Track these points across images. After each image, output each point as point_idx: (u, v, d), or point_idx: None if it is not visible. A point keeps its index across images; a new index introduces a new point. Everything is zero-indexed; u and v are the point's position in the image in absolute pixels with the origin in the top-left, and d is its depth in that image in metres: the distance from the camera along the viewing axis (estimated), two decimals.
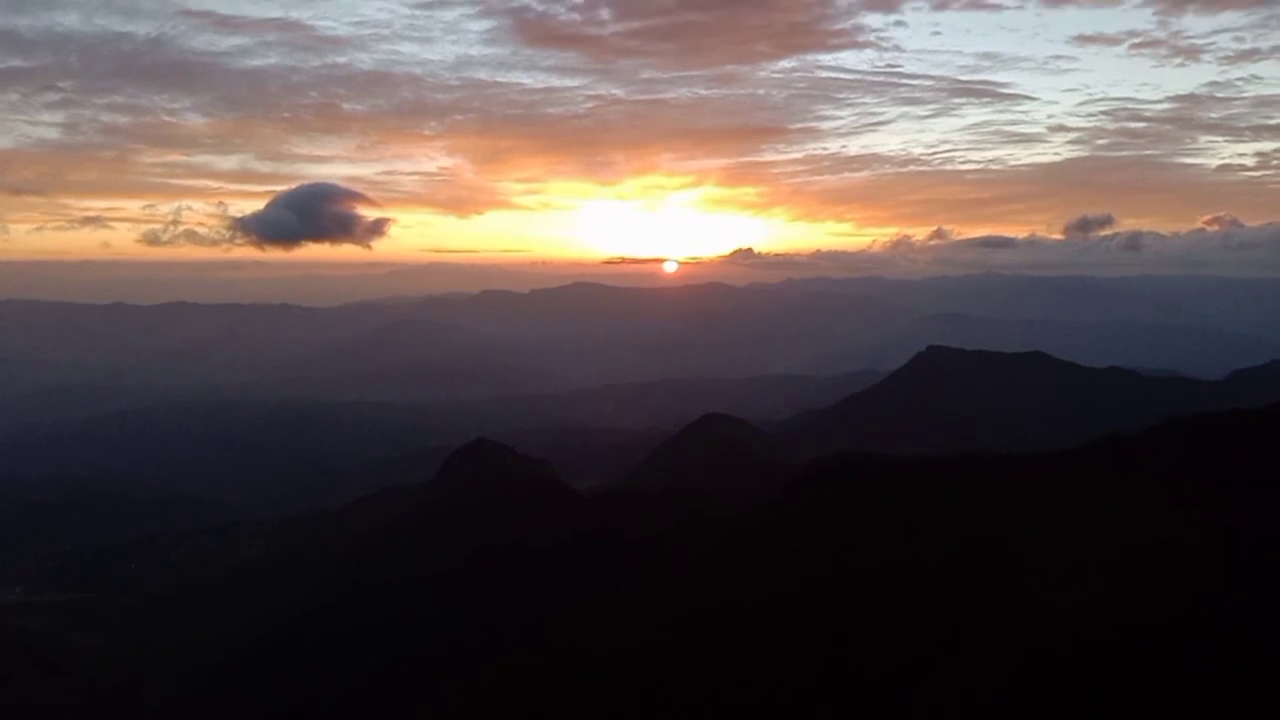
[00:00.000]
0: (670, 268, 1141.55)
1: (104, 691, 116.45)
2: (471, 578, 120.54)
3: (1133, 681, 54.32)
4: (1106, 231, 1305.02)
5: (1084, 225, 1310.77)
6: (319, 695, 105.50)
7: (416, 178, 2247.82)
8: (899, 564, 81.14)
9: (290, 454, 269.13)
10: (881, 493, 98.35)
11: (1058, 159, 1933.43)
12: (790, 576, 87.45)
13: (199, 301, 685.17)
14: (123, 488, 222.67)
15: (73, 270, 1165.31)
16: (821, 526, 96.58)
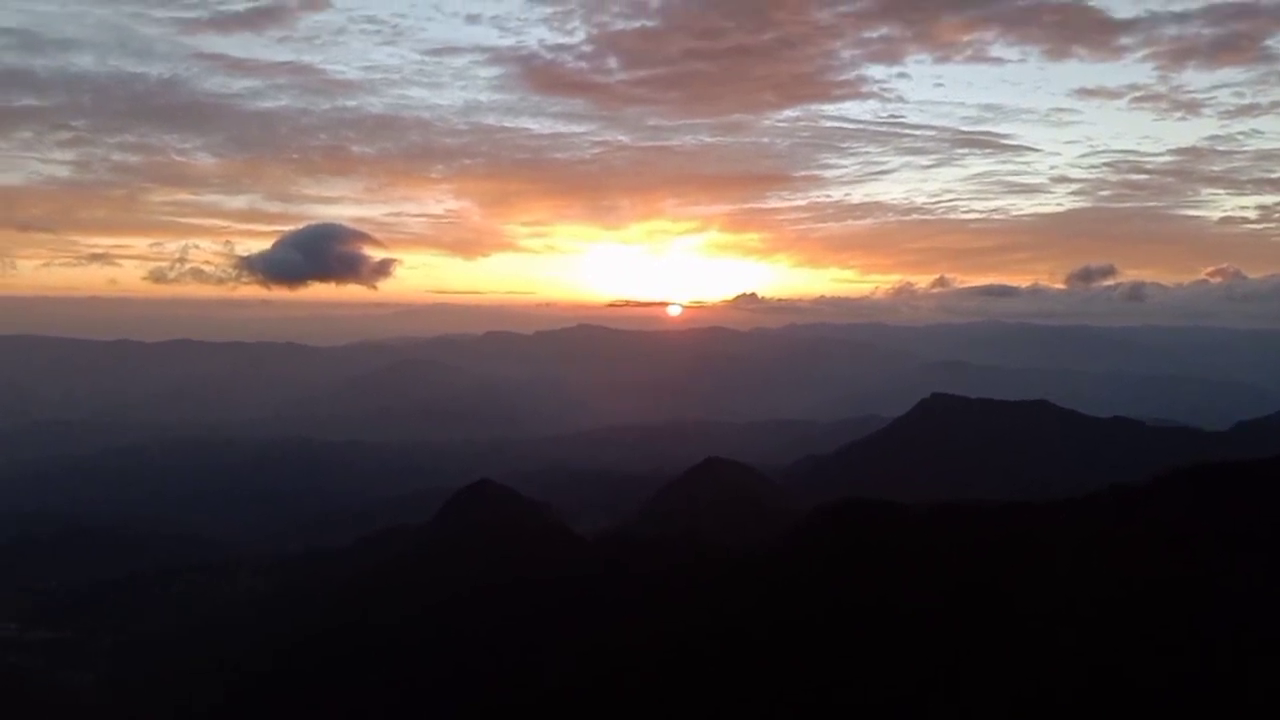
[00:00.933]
0: (674, 311, 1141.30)
1: None
2: (470, 617, 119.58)
3: None
4: (1109, 282, 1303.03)
5: (1086, 275, 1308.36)
6: None
7: (423, 220, 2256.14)
8: (900, 609, 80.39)
9: (293, 492, 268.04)
10: (884, 539, 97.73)
11: (1060, 209, 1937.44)
12: (791, 619, 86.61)
13: (204, 339, 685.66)
14: (122, 523, 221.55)
15: (79, 306, 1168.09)
16: (824, 572, 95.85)
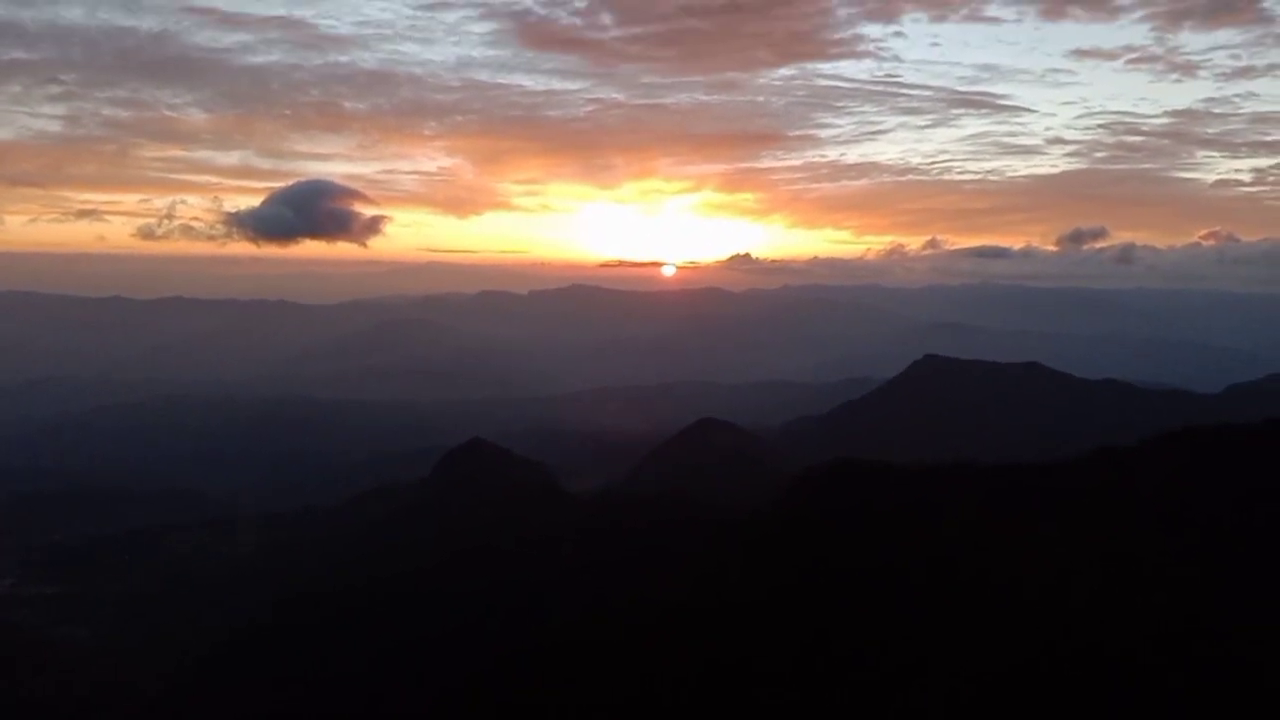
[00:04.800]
0: (668, 272, 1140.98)
1: (90, 685, 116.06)
2: (462, 575, 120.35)
3: (1117, 694, 54.34)
4: (1101, 244, 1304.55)
5: (1077, 237, 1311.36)
6: (307, 688, 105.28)
7: (416, 177, 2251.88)
8: (890, 570, 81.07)
9: (285, 450, 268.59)
10: (875, 500, 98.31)
11: (1055, 171, 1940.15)
12: (783, 580, 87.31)
13: (196, 296, 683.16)
14: (116, 481, 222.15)
15: (69, 262, 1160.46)
16: (815, 532, 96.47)
